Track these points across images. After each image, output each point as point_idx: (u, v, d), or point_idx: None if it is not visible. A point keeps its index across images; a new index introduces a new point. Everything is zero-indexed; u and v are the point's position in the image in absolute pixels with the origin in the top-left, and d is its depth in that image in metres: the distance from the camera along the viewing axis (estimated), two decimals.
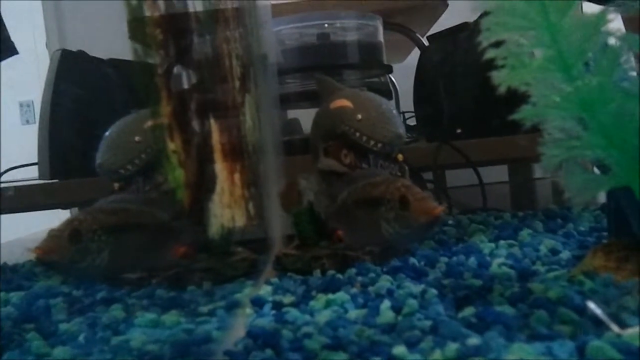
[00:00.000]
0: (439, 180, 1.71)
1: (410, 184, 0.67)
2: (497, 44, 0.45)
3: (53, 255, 0.61)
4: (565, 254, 0.62)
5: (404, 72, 1.67)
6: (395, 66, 1.56)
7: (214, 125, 0.54)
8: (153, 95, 0.56)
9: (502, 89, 0.43)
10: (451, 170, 1.75)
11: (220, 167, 0.54)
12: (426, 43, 1.51)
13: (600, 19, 0.41)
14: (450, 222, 0.86)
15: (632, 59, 0.45)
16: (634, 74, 0.44)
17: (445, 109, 1.30)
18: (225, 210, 0.55)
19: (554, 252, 0.64)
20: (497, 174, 1.58)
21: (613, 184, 0.43)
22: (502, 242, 0.70)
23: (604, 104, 0.41)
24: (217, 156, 0.53)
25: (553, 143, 0.44)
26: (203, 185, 0.52)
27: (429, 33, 1.50)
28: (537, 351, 0.37)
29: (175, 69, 0.54)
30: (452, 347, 0.39)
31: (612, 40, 0.43)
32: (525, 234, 0.73)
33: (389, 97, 1.42)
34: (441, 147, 1.15)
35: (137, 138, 0.69)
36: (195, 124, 0.53)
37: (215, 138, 0.54)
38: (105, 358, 0.45)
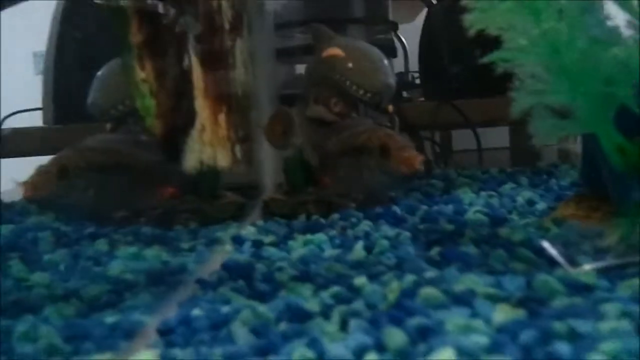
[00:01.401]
0: (444, 141, 1.72)
1: (392, 133, 0.68)
2: None
3: (40, 192, 0.62)
4: (541, 205, 0.63)
5: (416, 32, 1.65)
6: (406, 25, 1.55)
7: (195, 61, 0.55)
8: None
9: (471, 32, 0.44)
10: (459, 134, 1.76)
11: (201, 104, 0.55)
12: (434, 1, 1.50)
13: None
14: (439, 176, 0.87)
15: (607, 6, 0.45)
16: (609, 21, 0.45)
17: (447, 68, 1.30)
18: (206, 149, 0.56)
19: (530, 203, 0.65)
20: (501, 139, 1.58)
21: (577, 129, 0.44)
22: (482, 193, 0.71)
23: (570, 49, 0.42)
24: (199, 93, 0.54)
25: (523, 89, 0.45)
26: (180, 119, 0.53)
27: None
28: (486, 283, 0.38)
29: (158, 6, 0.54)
30: (410, 278, 0.41)
31: None
32: (507, 187, 0.74)
33: (393, 55, 1.41)
34: (440, 105, 1.15)
35: (126, 79, 0.70)
36: (172, 58, 0.54)
37: (197, 74, 0.55)
38: (80, 283, 0.47)
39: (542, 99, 0.44)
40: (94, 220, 0.65)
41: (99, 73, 0.74)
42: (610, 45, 0.43)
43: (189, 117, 0.55)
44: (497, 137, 1.61)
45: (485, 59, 0.45)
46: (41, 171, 0.62)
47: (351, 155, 0.69)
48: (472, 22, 0.44)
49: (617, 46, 0.42)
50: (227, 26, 0.66)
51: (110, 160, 0.66)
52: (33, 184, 0.61)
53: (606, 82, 0.43)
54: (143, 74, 0.52)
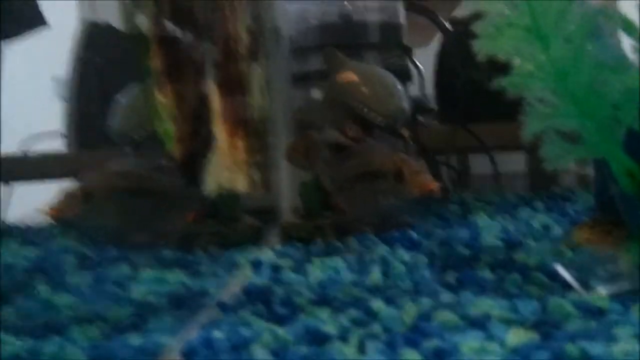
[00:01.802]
0: (461, 165, 1.72)
1: (407, 158, 0.69)
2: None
3: (66, 214, 0.64)
4: (556, 230, 0.64)
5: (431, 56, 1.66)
6: (422, 50, 1.56)
7: (214, 88, 0.57)
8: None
9: (481, 57, 0.45)
10: (476, 160, 1.76)
11: (219, 129, 0.56)
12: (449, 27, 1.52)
13: None
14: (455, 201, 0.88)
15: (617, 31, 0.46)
16: (617, 46, 0.46)
17: (463, 92, 1.31)
18: (225, 172, 0.57)
19: (546, 227, 0.66)
20: (519, 164, 1.58)
21: (586, 153, 0.45)
22: (499, 217, 0.72)
23: (577, 74, 0.43)
24: (217, 118, 0.56)
25: (532, 113, 0.46)
26: (199, 143, 0.55)
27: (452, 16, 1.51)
28: (501, 306, 0.39)
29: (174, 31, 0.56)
30: (426, 302, 0.41)
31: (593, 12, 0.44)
32: (523, 211, 0.75)
33: (407, 78, 1.43)
34: (456, 129, 1.16)
35: (147, 104, 0.71)
36: (191, 83, 0.55)
37: (215, 99, 0.57)
38: (104, 306, 0.48)
39: (551, 123, 0.45)
40: (117, 242, 0.66)
41: (120, 98, 0.76)
42: (616, 70, 0.44)
43: (208, 142, 0.56)
44: (515, 161, 1.61)
45: (496, 84, 0.46)
46: (67, 194, 0.64)
47: (366, 179, 0.70)
48: (481, 47, 0.45)
49: (624, 71, 0.43)
50: (243, 52, 0.68)
51: (133, 184, 0.68)
52: (59, 206, 0.63)
53: (613, 107, 0.44)
54: (163, 98, 0.54)
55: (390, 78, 0.80)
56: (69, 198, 0.64)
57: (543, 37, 0.43)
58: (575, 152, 0.44)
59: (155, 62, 0.59)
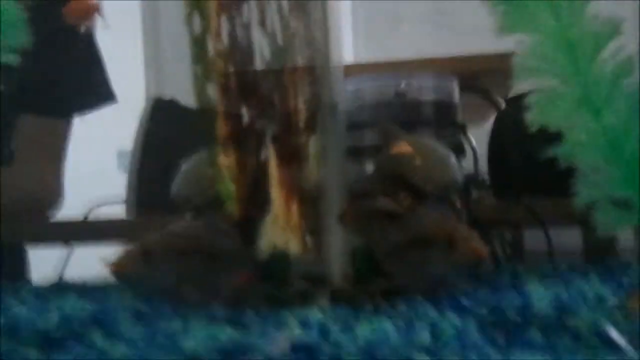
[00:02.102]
0: (515, 241, 1.70)
1: (458, 224, 0.70)
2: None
3: (125, 271, 0.66)
4: (611, 300, 0.63)
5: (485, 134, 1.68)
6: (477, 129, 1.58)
7: (272, 155, 0.59)
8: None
9: (533, 128, 0.46)
10: (530, 235, 1.74)
11: (276, 194, 0.59)
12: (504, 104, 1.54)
13: (627, 63, 0.44)
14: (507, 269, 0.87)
15: None
16: None
17: (517, 168, 1.31)
18: (279, 235, 0.59)
19: (600, 298, 0.64)
20: (574, 239, 1.56)
21: (638, 220, 0.45)
22: (551, 286, 0.71)
23: (628, 142, 0.44)
24: (274, 184, 0.58)
25: (585, 181, 0.47)
26: (257, 206, 0.57)
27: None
28: None
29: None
30: (473, 358, 0.41)
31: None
32: (577, 281, 0.73)
33: (462, 154, 1.44)
34: (510, 204, 1.16)
35: (208, 170, 0.75)
36: (252, 150, 0.58)
37: (273, 167, 0.59)
38: (157, 357, 0.50)
39: (604, 191, 0.46)
40: (172, 300, 0.68)
41: (182, 167, 0.79)
42: None
43: (265, 205, 0.59)
44: (570, 238, 1.58)
45: (548, 154, 0.47)
46: (127, 252, 0.67)
47: (418, 246, 0.71)
48: (534, 119, 0.46)
49: None
50: (302, 124, 0.71)
51: (191, 245, 0.70)
52: (119, 262, 0.65)
53: None
54: (226, 161, 0.57)
55: (442, 150, 0.81)
56: (129, 255, 0.67)
57: (595, 107, 0.44)
58: (627, 218, 0.44)
59: (221, 131, 0.63)
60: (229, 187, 0.57)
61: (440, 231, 0.68)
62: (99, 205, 1.34)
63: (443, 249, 0.67)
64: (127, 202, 1.34)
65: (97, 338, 0.55)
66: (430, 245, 0.69)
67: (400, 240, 0.73)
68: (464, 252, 0.65)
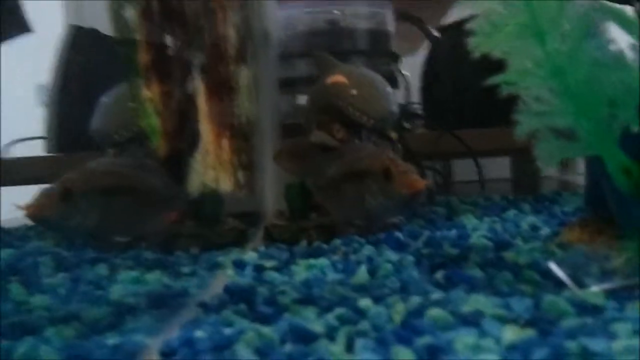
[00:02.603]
0: (444, 171, 1.72)
1: (395, 157, 0.68)
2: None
3: (43, 212, 0.62)
4: (545, 231, 0.63)
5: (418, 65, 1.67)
6: (408, 58, 1.56)
7: (201, 87, 0.55)
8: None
9: (476, 55, 0.44)
10: (459, 164, 1.76)
11: (205, 129, 0.55)
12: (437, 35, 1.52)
13: None
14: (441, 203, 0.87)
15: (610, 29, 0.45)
16: (612, 44, 0.45)
17: (449, 99, 1.31)
18: (209, 172, 0.56)
19: (534, 228, 0.65)
20: (501, 169, 1.59)
21: (582, 151, 0.44)
22: (486, 218, 0.71)
23: (574, 72, 0.42)
24: (203, 117, 0.55)
25: (527, 111, 0.45)
26: (184, 141, 0.54)
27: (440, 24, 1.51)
28: (494, 304, 0.37)
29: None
30: (415, 300, 0.40)
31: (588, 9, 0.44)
32: (510, 213, 0.74)
33: (395, 86, 1.43)
34: (442, 135, 1.15)
35: (130, 104, 0.70)
36: (178, 81, 0.54)
37: (202, 99, 0.55)
38: (80, 306, 0.46)
39: (547, 121, 0.44)
40: (96, 242, 0.64)
41: (102, 100, 0.74)
42: (613, 67, 0.43)
43: (193, 141, 0.55)
44: (498, 167, 1.61)
45: (490, 82, 0.45)
46: (45, 193, 0.62)
47: (354, 180, 0.69)
48: (476, 45, 0.44)
49: (621, 68, 0.43)
50: (232, 54, 0.67)
51: (113, 183, 0.66)
52: (37, 205, 0.61)
53: (610, 104, 0.43)
54: (149, 93, 0.53)
55: (378, 80, 0.79)
56: (47, 197, 0.62)
57: (540, 34, 0.42)
58: (570, 150, 0.43)
59: (143, 62, 0.58)
60: (153, 121, 0.52)
61: (377, 164, 0.66)
62: (15, 142, 1.27)
63: (380, 182, 0.66)
64: (47, 138, 1.26)
65: (14, 287, 0.51)
66: (367, 178, 0.68)
67: (336, 174, 0.71)
68: (401, 185, 0.64)
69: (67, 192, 0.62)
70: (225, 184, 0.60)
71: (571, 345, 0.29)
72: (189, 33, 0.59)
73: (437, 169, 1.44)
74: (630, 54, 0.44)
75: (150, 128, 0.52)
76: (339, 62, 0.84)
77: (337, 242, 0.65)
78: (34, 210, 0.61)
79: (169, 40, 0.57)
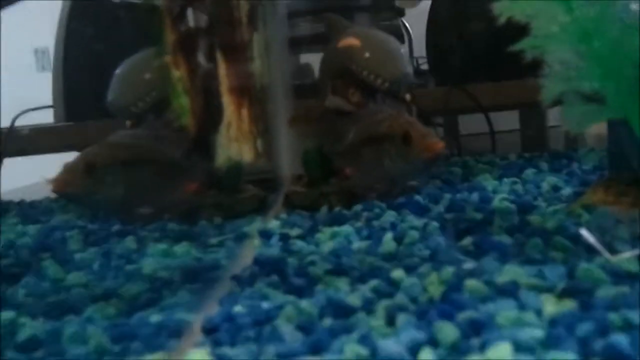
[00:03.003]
0: (451, 126, 1.72)
1: (414, 120, 0.68)
2: None
3: (68, 187, 0.63)
4: (566, 191, 0.63)
5: (420, 17, 1.65)
6: (409, 11, 1.54)
7: (220, 59, 0.55)
8: (162, 34, 0.57)
9: (502, 19, 0.43)
10: (465, 118, 1.76)
11: (227, 101, 0.55)
12: None
13: None
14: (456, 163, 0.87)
15: None
16: (636, 7, 0.44)
17: (456, 53, 1.30)
18: (233, 144, 0.56)
19: (555, 188, 0.65)
20: (510, 122, 1.58)
21: (609, 115, 0.44)
22: (505, 180, 0.71)
23: (601, 35, 0.42)
24: (224, 90, 0.55)
25: (553, 75, 0.45)
26: (210, 117, 0.54)
27: None
28: (528, 273, 0.38)
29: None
30: (449, 270, 0.41)
31: None
32: (529, 172, 0.74)
33: (400, 41, 1.41)
34: (451, 90, 1.15)
35: (147, 75, 0.70)
36: (201, 57, 0.54)
37: (222, 72, 0.55)
38: (116, 282, 0.47)
39: (573, 85, 0.44)
40: (120, 215, 0.65)
41: (118, 71, 0.74)
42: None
43: (219, 114, 0.55)
44: (504, 120, 1.61)
45: (515, 47, 0.45)
46: (69, 167, 0.63)
47: (372, 144, 0.69)
48: (501, 9, 0.44)
49: None
50: (244, 20, 0.66)
51: (135, 156, 0.67)
52: (61, 180, 0.62)
53: (637, 66, 0.43)
54: (178, 72, 0.52)
55: (393, 42, 0.78)
56: (70, 171, 0.63)
57: None
58: (597, 114, 0.43)
59: (170, 36, 0.57)
60: (184, 100, 0.52)
61: (396, 128, 0.66)
62: (24, 112, 1.26)
63: (399, 146, 0.66)
64: (55, 107, 1.26)
65: (49, 265, 0.52)
66: (386, 142, 0.68)
67: (354, 139, 0.71)
68: (421, 149, 0.64)
69: (90, 166, 0.63)
70: (246, 153, 0.60)
71: (614, 317, 0.29)
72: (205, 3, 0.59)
73: (447, 126, 1.44)
74: None
75: (179, 105, 0.52)
76: (349, 23, 0.84)
77: (358, 207, 0.66)
78: (59, 185, 0.62)
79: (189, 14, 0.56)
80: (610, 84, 0.43)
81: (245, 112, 0.59)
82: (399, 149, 0.66)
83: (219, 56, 0.57)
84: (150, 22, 0.56)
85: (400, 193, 0.70)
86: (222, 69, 0.56)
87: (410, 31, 1.78)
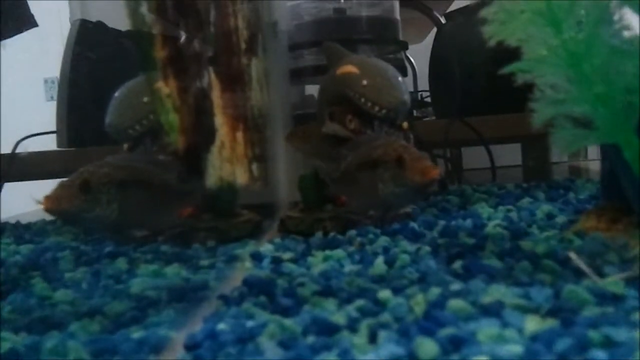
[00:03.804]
0: (454, 159, 1.72)
1: (407, 145, 0.68)
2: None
3: (63, 205, 0.62)
4: (560, 219, 0.63)
5: (425, 52, 1.67)
6: (415, 46, 1.56)
7: (215, 80, 0.56)
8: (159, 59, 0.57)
9: (492, 43, 0.44)
10: (468, 153, 1.76)
11: (220, 122, 0.55)
12: (444, 21, 1.51)
13: None
14: (454, 192, 0.87)
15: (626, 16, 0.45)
16: (627, 31, 0.45)
17: (459, 86, 1.31)
18: (225, 165, 0.56)
19: (550, 216, 0.65)
20: (512, 156, 1.59)
21: (599, 139, 0.44)
22: (501, 207, 0.71)
23: (590, 58, 0.42)
24: (218, 111, 0.55)
25: (543, 99, 0.45)
26: (201, 136, 0.54)
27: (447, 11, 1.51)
28: (514, 294, 0.38)
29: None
30: (435, 291, 0.40)
31: None
32: (525, 201, 0.74)
33: (403, 74, 1.42)
34: (452, 122, 1.15)
35: (145, 99, 0.70)
36: (194, 75, 0.55)
37: (216, 93, 0.56)
38: (103, 301, 0.47)
39: (563, 109, 0.44)
40: (115, 235, 0.65)
41: (116, 94, 0.74)
42: (630, 54, 0.43)
43: (210, 135, 0.55)
44: (508, 155, 1.61)
45: (505, 70, 0.45)
46: (64, 185, 0.63)
47: (367, 170, 0.69)
48: (491, 33, 0.44)
49: (637, 55, 0.43)
50: (243, 46, 0.67)
51: (131, 176, 0.67)
52: (55, 197, 0.62)
53: (627, 91, 0.43)
54: (167, 89, 0.53)
55: (391, 70, 0.79)
56: (65, 189, 0.63)
57: (555, 21, 0.42)
58: (586, 138, 0.43)
59: (160, 55, 0.58)
60: (172, 117, 0.53)
61: (390, 152, 0.67)
62: (27, 138, 1.27)
63: (393, 170, 0.66)
64: (58, 133, 1.27)
65: (37, 282, 0.52)
66: (380, 167, 0.68)
67: (350, 164, 0.71)
68: (414, 173, 0.64)
69: (85, 184, 0.63)
70: (241, 177, 0.60)
71: (594, 335, 0.29)
72: (201, 26, 0.60)
73: (448, 157, 1.44)
74: None
75: (167, 122, 0.52)
76: (348, 51, 0.84)
77: (352, 233, 0.66)
78: (52, 203, 0.62)
79: (182, 34, 0.57)
80: (600, 108, 0.43)
81: (240, 135, 0.59)
82: (393, 173, 0.66)
83: (215, 78, 0.57)
84: (147, 47, 0.56)
85: (394, 219, 0.70)
86: (217, 91, 0.56)
87: (415, 66, 1.80)
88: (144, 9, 0.52)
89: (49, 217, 0.86)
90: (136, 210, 0.66)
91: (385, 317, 0.37)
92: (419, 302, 0.39)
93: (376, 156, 0.67)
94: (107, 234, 0.66)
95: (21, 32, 1.38)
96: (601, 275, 0.40)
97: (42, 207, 0.62)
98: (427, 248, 0.55)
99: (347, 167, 0.72)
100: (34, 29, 1.40)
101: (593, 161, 1.76)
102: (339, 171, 0.73)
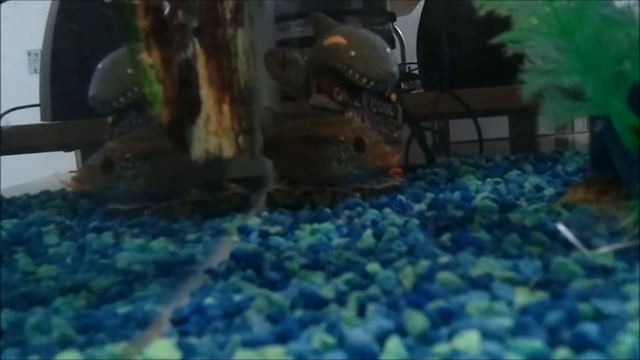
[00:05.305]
0: (442, 131, 1.72)
1: (367, 127, 0.68)
2: None
3: (87, 185, 0.63)
4: (549, 191, 0.63)
5: (413, 24, 1.65)
6: (403, 18, 1.54)
7: (200, 50, 0.54)
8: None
9: (482, 12, 0.43)
10: (455, 126, 1.76)
11: (205, 94, 0.54)
12: None
13: None
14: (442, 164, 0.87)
15: None
16: (619, 0, 0.44)
17: (447, 58, 1.30)
18: (211, 138, 0.55)
19: (538, 188, 0.64)
20: (500, 129, 1.58)
21: (590, 110, 0.43)
22: (488, 180, 0.71)
23: (581, 29, 0.41)
24: (203, 82, 0.54)
25: (533, 70, 0.44)
26: (186, 107, 0.53)
27: None
28: (503, 266, 0.37)
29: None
30: (423, 264, 0.40)
31: None
32: (513, 173, 0.73)
33: (391, 46, 1.41)
34: (440, 95, 1.14)
35: (129, 70, 0.69)
36: (178, 46, 0.53)
37: (201, 64, 0.54)
38: (88, 275, 0.46)
39: (554, 79, 0.44)
40: (148, 203, 0.65)
41: (99, 66, 0.73)
42: (621, 24, 0.42)
43: (195, 107, 0.54)
44: (495, 127, 1.61)
45: (495, 40, 0.44)
46: (87, 165, 0.63)
47: (317, 144, 0.69)
48: (482, 3, 0.43)
49: (629, 25, 0.42)
50: (228, 17, 0.65)
51: (153, 147, 0.66)
52: (80, 179, 0.62)
53: (618, 61, 0.43)
54: (150, 59, 0.52)
55: (379, 42, 0.78)
56: (89, 169, 0.63)
57: None
58: (577, 109, 0.42)
59: (143, 26, 0.56)
60: (156, 88, 0.52)
61: (348, 133, 0.67)
62: (10, 111, 1.26)
63: (351, 152, 0.66)
64: (42, 106, 1.25)
65: (21, 258, 0.51)
66: (334, 145, 0.67)
67: (291, 135, 0.71)
68: (376, 157, 0.65)
69: (107, 162, 0.63)
70: (227, 150, 0.59)
71: (584, 307, 0.29)
72: None
73: (436, 130, 1.43)
74: (637, 10, 0.43)
75: (153, 96, 0.51)
76: (336, 22, 0.83)
77: (340, 206, 0.65)
78: (79, 184, 0.62)
79: (166, 4, 0.55)
80: (591, 79, 0.43)
81: (226, 107, 0.58)
82: (351, 154, 0.66)
83: (200, 49, 0.56)
84: (130, 17, 0.55)
85: (383, 193, 0.69)
86: (202, 63, 0.55)
87: (403, 38, 1.79)
88: None
89: (33, 192, 0.85)
90: (165, 177, 0.66)
91: (374, 290, 0.37)
92: (407, 275, 0.39)
93: (328, 134, 0.67)
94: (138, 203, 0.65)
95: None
96: (590, 247, 0.40)
97: (70, 188, 0.62)
98: (416, 221, 0.55)
99: (281, 134, 0.71)
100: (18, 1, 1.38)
101: (580, 134, 1.76)
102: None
